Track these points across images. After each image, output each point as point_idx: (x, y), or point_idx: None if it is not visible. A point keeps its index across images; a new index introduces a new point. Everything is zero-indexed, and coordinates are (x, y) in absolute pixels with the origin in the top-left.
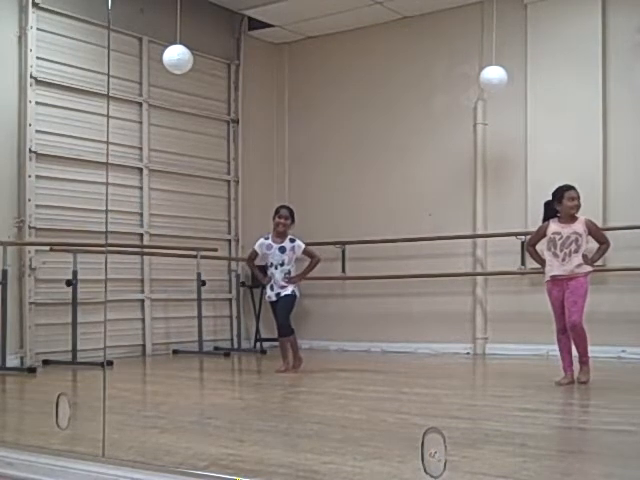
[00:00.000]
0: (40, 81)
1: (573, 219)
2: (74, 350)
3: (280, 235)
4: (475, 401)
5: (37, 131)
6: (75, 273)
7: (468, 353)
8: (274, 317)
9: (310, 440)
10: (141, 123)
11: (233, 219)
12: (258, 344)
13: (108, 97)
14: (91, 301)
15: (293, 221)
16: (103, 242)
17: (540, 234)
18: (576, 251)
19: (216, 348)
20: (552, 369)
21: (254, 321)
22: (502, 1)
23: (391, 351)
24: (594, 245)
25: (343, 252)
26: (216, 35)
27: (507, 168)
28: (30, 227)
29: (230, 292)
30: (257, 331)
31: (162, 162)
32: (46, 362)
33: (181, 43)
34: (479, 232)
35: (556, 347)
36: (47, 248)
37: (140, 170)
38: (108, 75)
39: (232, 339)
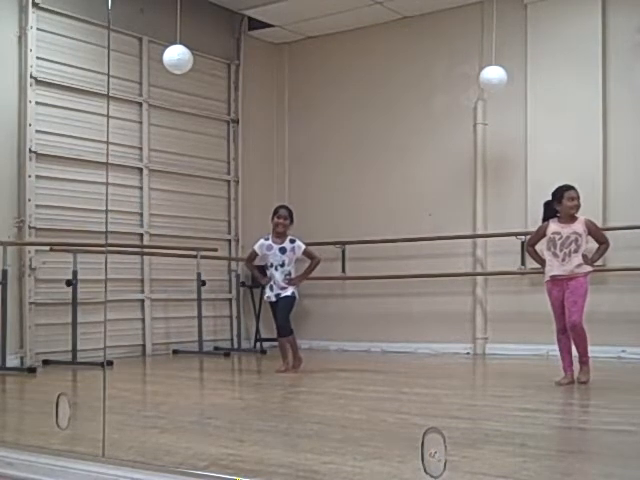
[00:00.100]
0: (40, 81)
1: (573, 219)
2: (74, 350)
3: (280, 236)
4: (475, 401)
5: (37, 131)
6: (75, 273)
7: (468, 353)
8: (273, 317)
9: (310, 440)
10: (141, 123)
11: (233, 219)
12: (258, 344)
13: (108, 97)
14: (91, 301)
15: (292, 221)
16: (103, 242)
17: (540, 234)
18: (576, 251)
19: (216, 348)
20: (552, 369)
21: (254, 321)
22: (502, 1)
23: (391, 351)
24: (594, 245)
25: (343, 252)
26: (216, 35)
27: (507, 168)
28: (30, 227)
29: (230, 292)
30: (257, 331)
31: (162, 162)
32: (46, 362)
33: (181, 43)
34: (479, 232)
35: (556, 347)
36: (47, 248)
37: (140, 170)
38: (108, 75)
39: (232, 339)
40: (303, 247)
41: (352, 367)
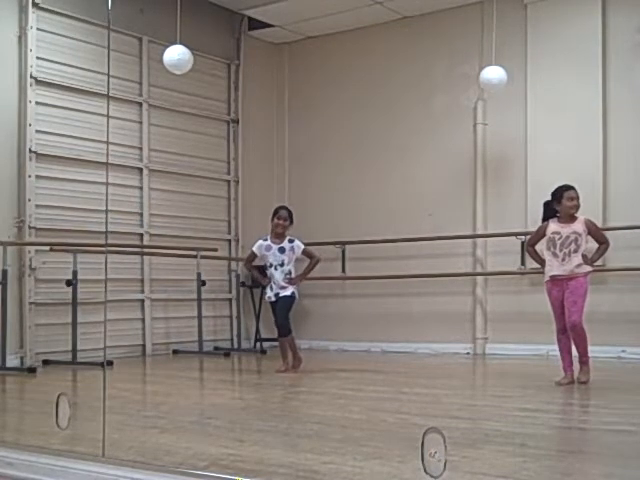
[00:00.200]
0: (40, 81)
1: (572, 219)
2: (74, 350)
3: (279, 236)
4: (475, 401)
5: (37, 131)
6: (75, 273)
7: (468, 353)
8: (274, 317)
9: (310, 440)
10: (141, 123)
11: (233, 219)
12: (258, 344)
13: (108, 97)
14: (91, 301)
15: (292, 222)
16: (103, 242)
17: (540, 234)
18: (575, 251)
19: (216, 348)
20: (552, 369)
21: (254, 321)
22: (502, 1)
23: (391, 351)
24: (594, 245)
25: (343, 252)
26: (216, 35)
27: (507, 168)
28: (30, 227)
29: (230, 292)
30: (257, 331)
31: (162, 162)
32: (46, 362)
33: (181, 43)
34: (479, 232)
35: (556, 347)
36: (47, 248)
37: (140, 170)
38: (108, 75)
39: (232, 339)
40: (302, 246)
41: (352, 367)
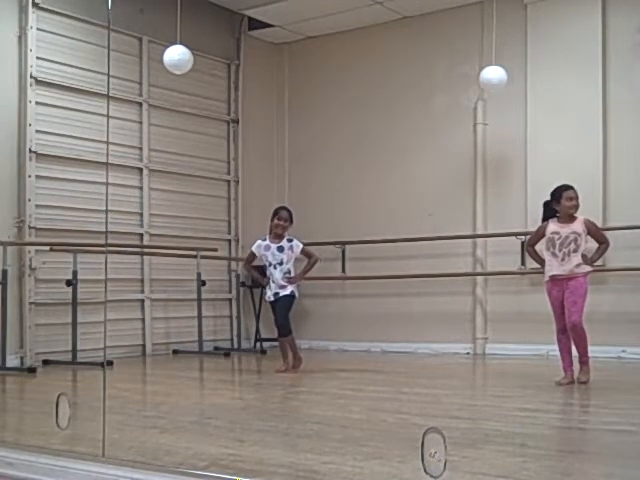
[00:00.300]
0: (40, 81)
1: (572, 219)
2: (74, 350)
3: (278, 236)
4: (475, 401)
5: (37, 131)
6: (75, 273)
7: (468, 353)
8: (274, 317)
9: (310, 440)
10: (141, 123)
11: (233, 219)
12: (258, 344)
13: (108, 97)
14: (91, 301)
15: (291, 222)
16: (103, 242)
17: (539, 234)
18: (575, 251)
19: (216, 348)
20: (552, 369)
21: (254, 321)
22: (502, 1)
23: (391, 351)
24: (594, 245)
25: (343, 252)
26: (216, 35)
27: (507, 168)
28: (30, 227)
29: (230, 292)
30: (257, 331)
31: (162, 162)
32: (46, 362)
33: (181, 43)
34: (479, 232)
35: (556, 347)
36: (47, 248)
37: (140, 170)
38: (108, 75)
39: (232, 339)
40: (301, 246)
41: (352, 367)
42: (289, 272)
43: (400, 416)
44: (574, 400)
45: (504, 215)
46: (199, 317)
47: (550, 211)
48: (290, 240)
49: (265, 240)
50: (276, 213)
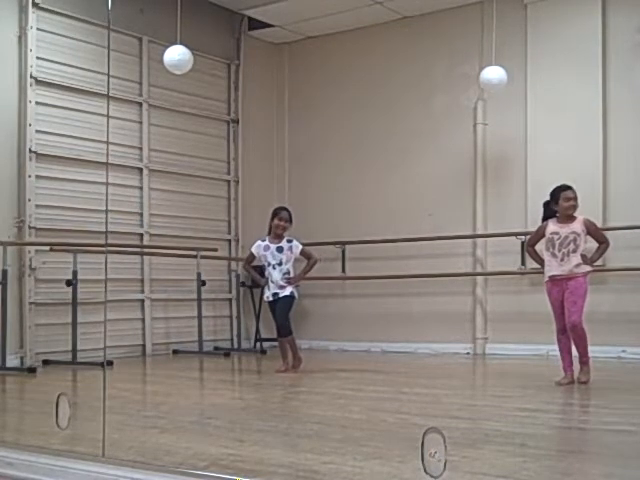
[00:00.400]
0: (40, 81)
1: (571, 219)
2: (74, 350)
3: (278, 237)
4: (475, 401)
5: (37, 131)
6: (75, 273)
7: (468, 353)
8: (273, 317)
9: (310, 440)
10: (141, 123)
11: (233, 219)
12: (258, 344)
13: (108, 97)
14: (91, 301)
15: (291, 223)
16: (103, 242)
17: (539, 234)
18: (574, 251)
19: (216, 348)
20: (552, 369)
21: (254, 321)
22: (502, 1)
23: (391, 351)
24: (593, 245)
25: (343, 252)
26: (216, 35)
27: (507, 168)
28: (30, 227)
29: (230, 292)
30: (257, 331)
31: (162, 162)
32: (46, 362)
33: (181, 43)
34: (479, 232)
35: (556, 347)
36: (47, 248)
37: (140, 170)
38: (108, 75)
39: (232, 339)
40: (300, 247)
41: (352, 367)
42: (288, 273)
43: (400, 416)
44: (574, 400)
45: (504, 215)
46: (199, 317)
47: (550, 211)
48: (290, 241)
49: (264, 240)
50: (276, 213)
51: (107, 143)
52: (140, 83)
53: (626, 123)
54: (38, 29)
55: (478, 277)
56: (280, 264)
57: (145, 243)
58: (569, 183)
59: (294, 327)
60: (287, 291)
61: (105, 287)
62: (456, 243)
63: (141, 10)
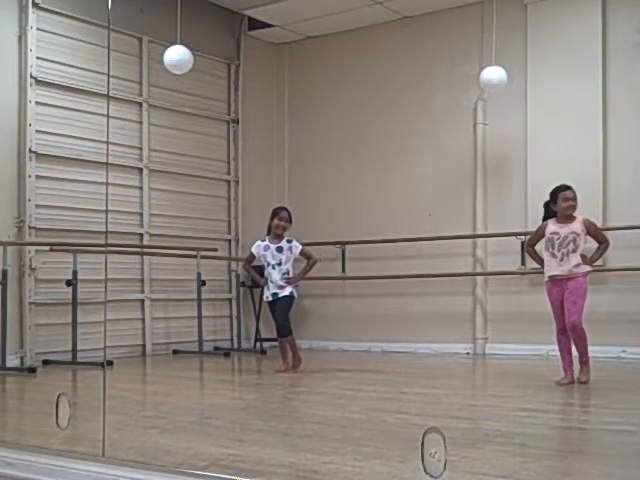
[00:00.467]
0: (40, 81)
1: (571, 219)
2: (74, 350)
3: (277, 237)
4: (475, 401)
5: (37, 131)
6: (75, 273)
7: (468, 353)
8: (272, 317)
9: (310, 440)
10: (141, 123)
11: (233, 219)
12: (258, 344)
13: (108, 97)
14: (91, 301)
15: (291, 223)
16: (103, 242)
17: (539, 234)
18: (574, 251)
19: (216, 348)
20: (552, 369)
21: (254, 321)
22: (502, 1)
23: (391, 351)
24: (594, 245)
25: (343, 252)
26: (216, 35)
27: (507, 168)
28: (30, 227)
29: (230, 292)
30: (257, 331)
31: (162, 162)
32: (46, 362)
33: (181, 43)
34: (479, 232)
35: (556, 347)
36: (47, 248)
37: (140, 170)
38: (108, 75)
39: (232, 339)
40: (300, 247)
41: (352, 367)
42: (287, 273)
43: (400, 416)
44: (574, 400)
45: (504, 215)
46: (199, 317)
47: (550, 211)
48: (289, 241)
49: (264, 240)
50: (277, 213)
51: (107, 143)
52: (140, 83)
53: (626, 123)
54: (38, 29)
55: (478, 277)
56: (280, 264)
57: (145, 243)
58: (569, 183)
59: (294, 327)
60: (286, 291)
61: (105, 287)
62: (456, 243)
63: (141, 10)
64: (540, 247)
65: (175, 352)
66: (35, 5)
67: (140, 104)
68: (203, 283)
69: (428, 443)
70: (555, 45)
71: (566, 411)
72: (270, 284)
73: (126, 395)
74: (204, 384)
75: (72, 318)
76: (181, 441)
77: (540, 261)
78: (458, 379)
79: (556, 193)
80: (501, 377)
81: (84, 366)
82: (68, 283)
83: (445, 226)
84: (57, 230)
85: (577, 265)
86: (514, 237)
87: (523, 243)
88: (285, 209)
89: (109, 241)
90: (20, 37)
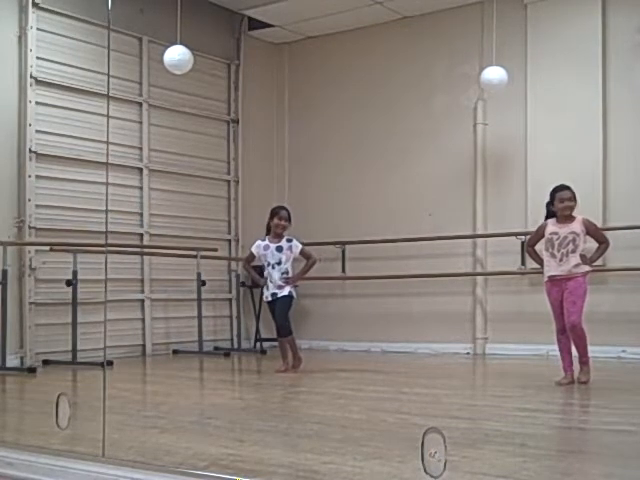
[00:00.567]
0: (40, 81)
1: (570, 219)
2: (74, 350)
3: (278, 236)
4: (475, 401)
5: (37, 131)
6: (75, 273)
7: (468, 353)
8: (272, 317)
9: (310, 440)
10: (141, 123)
11: (233, 219)
12: (258, 344)
13: (108, 97)
14: (91, 301)
15: (290, 222)
16: (103, 242)
17: (539, 234)
18: (573, 251)
19: (216, 348)
20: (552, 369)
21: (254, 321)
22: (502, 1)
23: (391, 351)
24: (594, 245)
25: (343, 252)
26: (216, 35)
27: (507, 168)
28: (30, 227)
29: (230, 292)
30: (257, 331)
31: (162, 162)
32: (46, 362)
33: (181, 43)
34: (479, 232)
35: (556, 347)
36: (47, 248)
37: (140, 170)
38: (108, 75)
39: (232, 339)
40: (300, 246)
41: (352, 367)
42: (287, 272)
43: (400, 416)
44: (574, 400)
45: (504, 215)
46: (199, 317)
47: (552, 212)
48: (289, 240)
49: (264, 240)
50: (276, 213)
51: (107, 143)
52: (140, 83)
53: (626, 123)
54: (38, 29)
55: (478, 277)
56: (279, 263)
57: (145, 243)
58: (569, 183)
59: (294, 327)
60: (285, 291)
61: (105, 287)
62: (456, 243)
63: (141, 10)
64: (540, 247)
65: (175, 352)
66: (35, 5)
67: (140, 104)
68: (203, 283)
69: (428, 443)
70: (555, 45)
71: (566, 411)
72: (270, 284)
73: (126, 395)
74: (204, 384)
75: (72, 318)
76: (181, 441)
77: (540, 261)
78: (458, 379)
79: (553, 194)
80: (501, 377)
81: (84, 366)
82: (68, 283)
83: (445, 226)
84: (57, 230)
85: (576, 265)
86: (514, 237)
87: (523, 243)
88: (284, 208)
89: (109, 241)
90: (20, 37)
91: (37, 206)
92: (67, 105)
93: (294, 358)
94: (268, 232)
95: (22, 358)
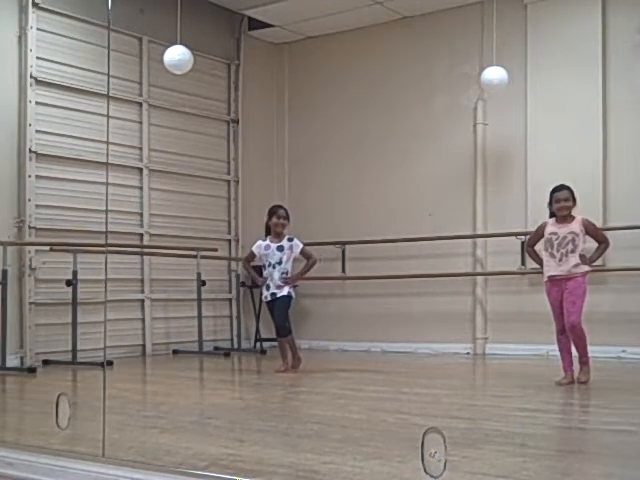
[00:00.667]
0: (40, 81)
1: (570, 219)
2: (74, 350)
3: (278, 235)
4: (475, 401)
5: (37, 131)
6: (75, 273)
7: (468, 353)
8: (271, 317)
9: (310, 440)
10: (141, 123)
11: (233, 219)
12: (258, 344)
13: (108, 97)
14: (91, 301)
15: (289, 220)
16: (103, 242)
17: (539, 234)
18: (573, 251)
19: (216, 348)
20: (552, 369)
21: (254, 321)
22: (502, 1)
23: (391, 351)
24: (593, 244)
25: (343, 252)
26: (216, 35)
27: (507, 168)
28: (30, 227)
29: (230, 292)
30: (257, 331)
31: (162, 162)
32: (46, 362)
33: (181, 43)
34: (479, 232)
35: (556, 347)
36: (47, 248)
37: (140, 170)
38: (108, 75)
39: (232, 339)
40: (301, 246)
41: (352, 367)
42: (286, 272)
43: (400, 416)
44: (574, 400)
45: (504, 215)
46: (199, 317)
47: (553, 212)
48: (290, 239)
49: (265, 240)
50: (274, 212)
51: (107, 143)
52: (140, 83)
53: (626, 123)
54: (38, 29)
55: (478, 277)
56: (280, 263)
57: (145, 243)
58: (569, 183)
59: (294, 327)
60: (284, 291)
61: (105, 287)
62: (456, 243)
63: (141, 10)
64: (540, 247)
65: (175, 352)
66: (35, 5)
67: (140, 104)
68: (203, 283)
69: (428, 443)
70: (555, 45)
71: (566, 411)
72: (270, 284)
73: (126, 395)
74: (204, 384)
75: (72, 318)
76: (181, 441)
77: (540, 261)
78: (458, 379)
79: (550, 194)
80: (501, 377)
81: (84, 366)
82: (68, 283)
83: (445, 226)
84: (57, 230)
85: (576, 265)
86: (514, 237)
87: (523, 243)
88: (281, 207)
89: (109, 241)
90: (20, 37)
91: (37, 206)
92: (67, 105)
93: (294, 358)
94: (268, 232)
95: (22, 358)
